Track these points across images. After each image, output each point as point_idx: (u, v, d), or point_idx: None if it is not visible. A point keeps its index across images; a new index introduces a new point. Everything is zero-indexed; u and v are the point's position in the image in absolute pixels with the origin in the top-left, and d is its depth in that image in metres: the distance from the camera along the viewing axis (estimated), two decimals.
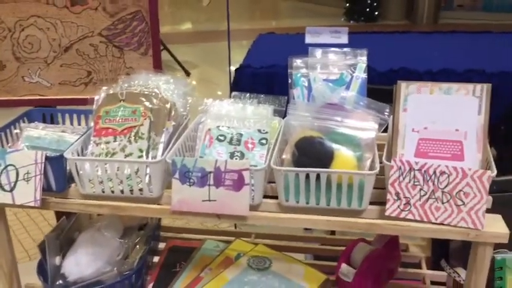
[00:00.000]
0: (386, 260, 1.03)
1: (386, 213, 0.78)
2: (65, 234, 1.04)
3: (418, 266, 1.13)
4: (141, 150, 0.86)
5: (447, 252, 0.99)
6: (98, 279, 0.96)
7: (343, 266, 1.01)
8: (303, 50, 1.00)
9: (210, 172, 0.79)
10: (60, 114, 1.08)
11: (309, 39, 1.80)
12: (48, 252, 0.95)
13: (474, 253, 0.79)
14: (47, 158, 0.81)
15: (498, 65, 1.47)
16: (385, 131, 0.89)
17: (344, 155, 0.79)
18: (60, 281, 0.95)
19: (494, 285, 0.88)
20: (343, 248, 1.06)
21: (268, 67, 1.57)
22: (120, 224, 1.08)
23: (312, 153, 0.79)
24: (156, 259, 1.14)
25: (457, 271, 0.92)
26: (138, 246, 1.04)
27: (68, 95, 1.46)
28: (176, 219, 1.25)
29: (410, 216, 0.77)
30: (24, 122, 1.03)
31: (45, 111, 1.08)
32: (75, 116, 1.08)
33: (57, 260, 0.98)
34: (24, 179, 0.81)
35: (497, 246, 0.85)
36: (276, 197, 0.82)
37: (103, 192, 0.85)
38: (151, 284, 1.04)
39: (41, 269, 0.98)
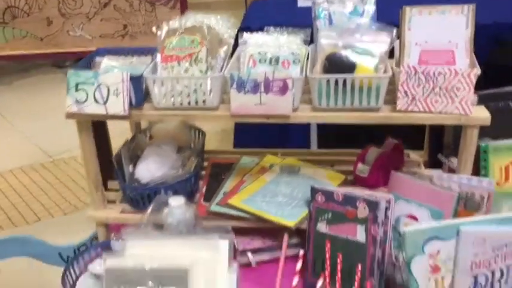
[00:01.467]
0: (393, 160, 1.27)
1: (398, 108, 1.02)
2: (131, 152, 1.27)
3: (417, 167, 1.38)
4: (201, 71, 1.09)
5: (442, 148, 1.24)
6: (164, 180, 1.19)
7: (360, 164, 1.26)
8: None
9: (261, 82, 1.02)
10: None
11: (301, 3, 1.98)
12: (124, 160, 1.18)
13: (464, 137, 1.04)
14: (130, 77, 1.03)
15: None
16: (391, 56, 1.12)
17: (364, 64, 1.02)
18: (135, 184, 1.19)
19: (479, 166, 1.13)
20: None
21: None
22: (175, 143, 1.30)
23: (338, 64, 1.03)
24: (202, 173, 1.38)
25: (451, 160, 1.17)
26: (191, 158, 1.27)
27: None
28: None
29: (416, 109, 1.01)
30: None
31: (111, 50, 1.27)
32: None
33: (130, 168, 1.21)
34: (114, 94, 1.03)
35: (482, 135, 1.10)
36: None
37: (173, 104, 1.07)
38: (204, 187, 1.28)
39: (117, 176, 1.21)
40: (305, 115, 1.06)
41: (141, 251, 1.00)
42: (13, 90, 3.93)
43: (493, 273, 0.89)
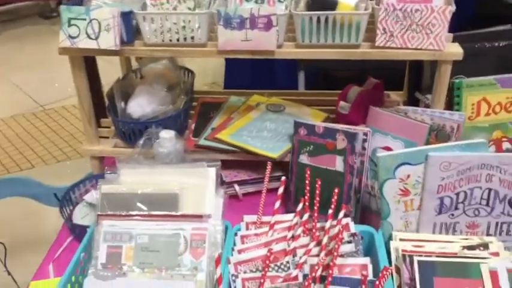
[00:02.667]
0: (373, 98, 1.33)
1: (376, 44, 1.07)
2: (123, 89, 1.32)
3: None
4: (189, 8, 1.12)
5: (420, 89, 1.30)
6: (154, 115, 1.25)
7: (341, 102, 1.32)
8: None
9: (247, 18, 1.06)
10: None
11: None
12: (116, 96, 1.24)
13: (438, 72, 1.10)
14: (120, 13, 1.07)
15: None
16: None
17: (345, 2, 1.07)
18: (127, 119, 1.24)
19: (453, 102, 1.19)
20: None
21: None
22: (165, 82, 1.35)
23: (321, 2, 1.07)
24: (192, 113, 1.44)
25: (427, 97, 1.24)
26: (181, 96, 1.33)
27: None
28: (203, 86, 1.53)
29: (393, 45, 1.07)
30: None
31: None
32: None
33: (122, 104, 1.26)
34: (105, 29, 1.07)
35: (456, 73, 1.17)
36: None
37: (163, 41, 1.12)
38: (193, 124, 1.34)
39: (110, 111, 1.27)
40: (289, 51, 1.11)
41: (134, 179, 1.07)
42: (1, 41, 3.91)
43: (457, 195, 0.97)
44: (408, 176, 0.98)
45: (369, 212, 1.14)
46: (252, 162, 1.26)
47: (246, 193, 1.28)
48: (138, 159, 1.12)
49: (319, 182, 1.02)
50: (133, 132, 1.24)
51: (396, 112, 1.13)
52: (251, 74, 2.03)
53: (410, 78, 1.39)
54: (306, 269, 0.92)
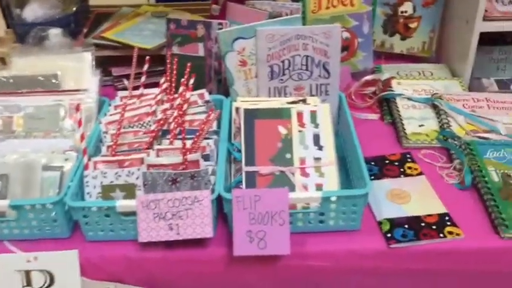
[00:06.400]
0: None
1: None
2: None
3: None
4: None
5: None
6: (47, 18, 1.43)
7: (213, 5, 1.54)
8: None
9: None
10: None
11: None
12: (11, 3, 1.42)
13: None
14: None
15: None
16: None
17: None
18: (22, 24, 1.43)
19: None
20: None
21: None
22: None
23: None
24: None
25: None
26: (73, 2, 1.51)
27: None
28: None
29: None
30: None
31: None
32: None
33: (18, 11, 1.45)
34: None
35: None
36: None
37: None
38: (85, 30, 1.53)
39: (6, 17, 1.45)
40: None
41: (23, 64, 1.27)
42: None
43: (283, 62, 1.22)
44: (244, 49, 1.21)
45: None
46: (140, 59, 1.47)
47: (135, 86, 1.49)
48: (29, 50, 1.32)
49: (189, 64, 1.24)
50: (29, 34, 1.43)
51: (246, 5, 1.36)
52: None
53: None
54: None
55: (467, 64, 1.41)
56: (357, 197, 0.97)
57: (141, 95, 1.26)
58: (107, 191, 1.01)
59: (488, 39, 1.42)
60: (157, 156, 1.07)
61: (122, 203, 0.96)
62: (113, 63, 1.49)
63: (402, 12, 1.56)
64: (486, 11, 1.33)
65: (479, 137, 1.21)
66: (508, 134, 1.21)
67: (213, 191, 0.99)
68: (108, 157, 1.05)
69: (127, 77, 1.48)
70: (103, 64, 1.49)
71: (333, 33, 1.18)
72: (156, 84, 1.27)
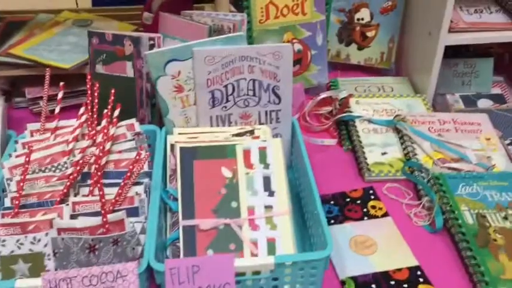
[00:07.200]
0: (178, 7, 1.35)
1: None
2: None
3: None
4: None
5: None
6: None
7: (145, 13, 1.33)
8: None
9: None
10: None
11: None
12: None
13: None
14: None
15: None
16: None
17: None
18: None
19: (242, 6, 1.24)
20: None
21: None
22: None
23: None
24: None
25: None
26: None
27: None
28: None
29: None
30: None
31: None
32: None
33: None
34: None
35: None
36: None
37: None
38: None
39: None
40: None
41: None
42: None
43: (226, 87, 1.03)
44: (179, 72, 1.02)
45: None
46: (57, 79, 1.24)
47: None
48: None
49: (113, 90, 1.04)
50: None
51: (183, 17, 1.17)
52: None
53: None
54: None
55: (431, 79, 1.28)
56: (316, 260, 0.81)
57: (56, 128, 1.04)
58: (7, 263, 0.80)
59: (451, 51, 1.29)
60: (74, 211, 0.87)
61: (22, 284, 0.75)
62: (27, 83, 1.26)
63: (359, 19, 1.41)
64: (452, 21, 1.20)
65: (449, 168, 1.08)
66: (479, 163, 1.09)
67: (142, 255, 0.81)
68: (6, 219, 0.84)
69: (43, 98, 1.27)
70: (16, 84, 1.27)
71: (284, 53, 1.01)
72: (79, 107, 1.06)
